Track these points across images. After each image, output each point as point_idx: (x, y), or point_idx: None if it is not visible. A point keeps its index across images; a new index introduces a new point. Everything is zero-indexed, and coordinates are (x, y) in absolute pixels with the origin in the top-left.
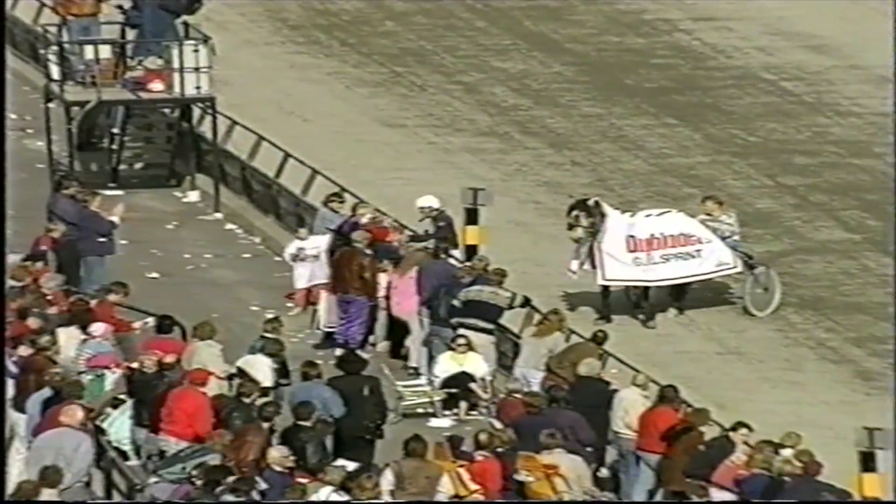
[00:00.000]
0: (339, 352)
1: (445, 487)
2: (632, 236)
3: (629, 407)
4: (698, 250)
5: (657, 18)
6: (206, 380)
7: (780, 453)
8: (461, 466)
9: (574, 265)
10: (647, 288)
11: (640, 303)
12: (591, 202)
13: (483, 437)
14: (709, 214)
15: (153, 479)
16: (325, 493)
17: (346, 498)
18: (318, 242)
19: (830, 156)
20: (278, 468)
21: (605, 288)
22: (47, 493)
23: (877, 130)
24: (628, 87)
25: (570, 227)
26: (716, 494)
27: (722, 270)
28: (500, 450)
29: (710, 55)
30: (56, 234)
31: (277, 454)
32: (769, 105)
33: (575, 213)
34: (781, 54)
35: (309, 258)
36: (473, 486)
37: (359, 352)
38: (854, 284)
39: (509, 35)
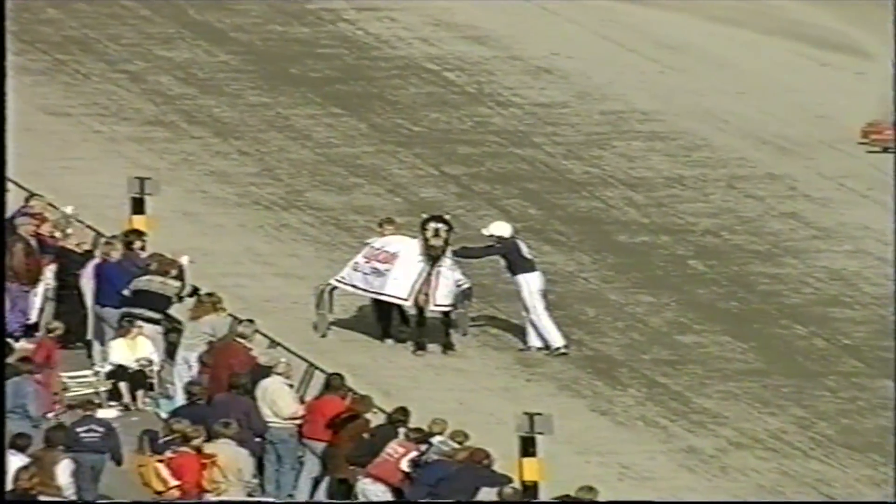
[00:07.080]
0: None
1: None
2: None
3: (275, 396)
4: None
5: (321, 8)
6: None
7: (432, 441)
8: (160, 462)
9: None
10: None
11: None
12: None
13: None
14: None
15: None
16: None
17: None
18: None
19: (492, 145)
20: None
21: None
22: None
23: (535, 121)
24: (294, 76)
25: (430, 238)
26: (371, 487)
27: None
28: (196, 443)
29: (374, 45)
30: None
31: None
32: (433, 95)
33: (433, 225)
34: (443, 45)
35: None
36: (172, 482)
37: (23, 341)
38: None
39: (174, 24)
